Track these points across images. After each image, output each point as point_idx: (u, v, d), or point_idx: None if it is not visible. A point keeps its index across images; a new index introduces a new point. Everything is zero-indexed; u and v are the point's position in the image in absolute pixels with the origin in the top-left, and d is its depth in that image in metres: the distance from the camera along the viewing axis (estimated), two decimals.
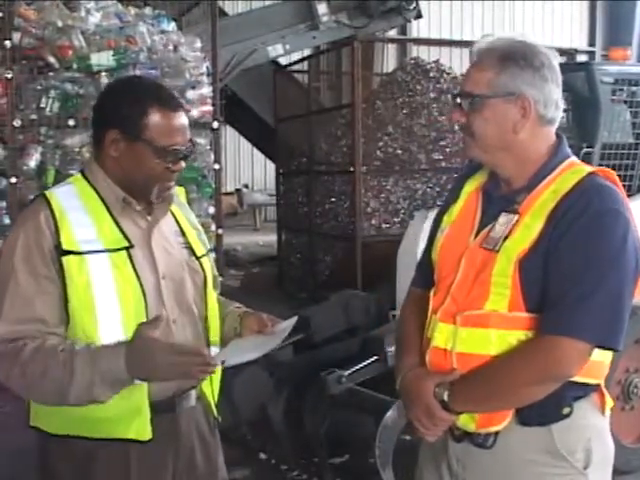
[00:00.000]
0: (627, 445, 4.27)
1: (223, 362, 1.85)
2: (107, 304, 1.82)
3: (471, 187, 1.95)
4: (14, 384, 1.82)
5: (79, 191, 1.92)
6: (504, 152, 1.82)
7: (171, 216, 2.05)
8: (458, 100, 1.84)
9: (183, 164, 1.94)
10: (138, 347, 1.72)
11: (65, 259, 1.80)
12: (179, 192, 2.12)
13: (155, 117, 1.87)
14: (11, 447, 3.77)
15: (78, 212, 1.87)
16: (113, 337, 1.81)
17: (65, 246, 1.81)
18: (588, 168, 1.82)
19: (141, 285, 1.86)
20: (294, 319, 2.02)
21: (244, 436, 4.37)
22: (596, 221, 1.70)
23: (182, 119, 1.94)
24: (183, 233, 2.06)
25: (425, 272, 2.00)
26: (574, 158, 1.86)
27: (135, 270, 1.87)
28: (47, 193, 1.90)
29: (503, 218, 1.80)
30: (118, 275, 1.84)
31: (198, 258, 2.05)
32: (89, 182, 1.94)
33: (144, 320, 1.82)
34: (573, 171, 1.80)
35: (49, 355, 1.75)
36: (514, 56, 1.77)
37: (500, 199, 1.85)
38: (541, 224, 1.72)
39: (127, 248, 1.88)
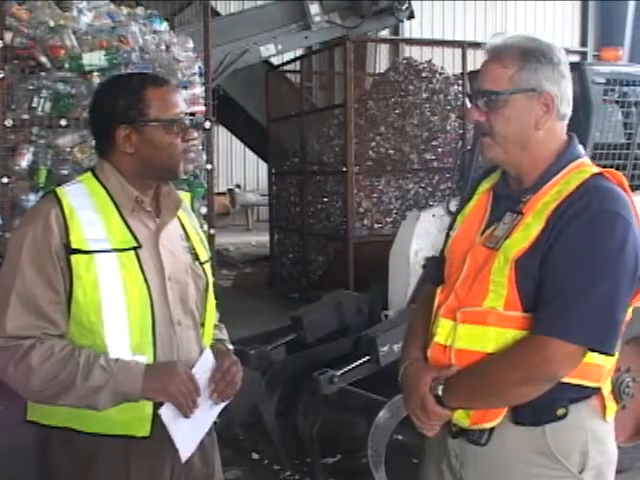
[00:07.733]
0: (618, 444, 4.27)
1: None
2: (114, 303, 1.83)
3: (484, 187, 1.96)
4: (11, 380, 1.82)
5: (89, 190, 1.92)
6: (523, 150, 1.81)
7: (177, 220, 2.05)
8: (475, 99, 1.83)
9: (195, 133, 1.96)
10: (157, 371, 1.83)
11: (73, 258, 1.81)
12: (185, 197, 2.13)
13: (151, 96, 1.92)
14: (10, 446, 3.76)
15: (88, 211, 1.87)
16: (119, 336, 1.83)
17: (74, 245, 1.81)
18: (595, 169, 1.80)
19: (148, 286, 1.88)
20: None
21: (237, 436, 4.37)
22: (593, 222, 1.68)
23: (175, 91, 2.00)
24: (188, 238, 2.07)
25: (438, 269, 2.01)
26: (586, 159, 1.85)
27: (142, 271, 1.88)
28: (58, 191, 1.90)
29: (507, 217, 1.80)
30: (125, 275, 1.85)
31: (202, 263, 2.06)
32: (100, 181, 1.94)
33: (150, 320, 1.87)
34: (579, 171, 1.78)
35: (63, 362, 1.77)
36: (534, 52, 1.77)
37: (507, 198, 1.86)
38: (541, 224, 1.72)
39: (135, 248, 1.89)
